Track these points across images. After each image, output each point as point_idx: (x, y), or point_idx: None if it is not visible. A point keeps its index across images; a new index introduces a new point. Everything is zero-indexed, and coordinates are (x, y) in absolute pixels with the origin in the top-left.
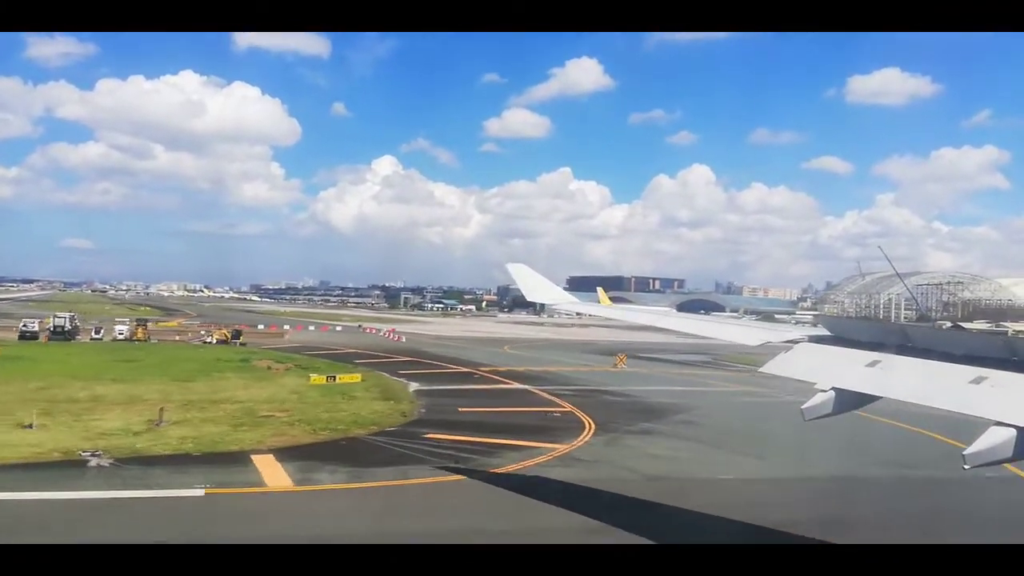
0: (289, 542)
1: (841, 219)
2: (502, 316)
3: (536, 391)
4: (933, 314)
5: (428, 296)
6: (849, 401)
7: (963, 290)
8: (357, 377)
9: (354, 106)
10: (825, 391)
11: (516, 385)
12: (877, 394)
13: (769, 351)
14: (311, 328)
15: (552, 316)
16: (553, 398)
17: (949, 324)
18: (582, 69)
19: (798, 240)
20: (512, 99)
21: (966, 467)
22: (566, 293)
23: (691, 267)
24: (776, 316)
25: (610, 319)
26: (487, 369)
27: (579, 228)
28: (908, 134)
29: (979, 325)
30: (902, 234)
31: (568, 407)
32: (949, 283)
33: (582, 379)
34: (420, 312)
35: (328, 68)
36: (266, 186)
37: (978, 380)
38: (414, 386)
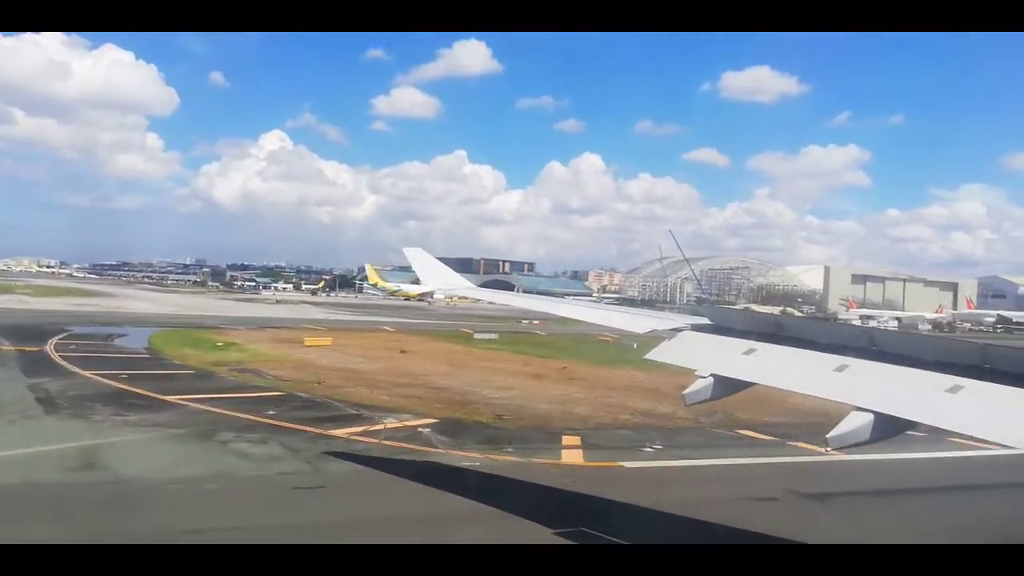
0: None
1: (723, 210)
2: (307, 296)
3: None
4: (716, 297)
5: (241, 275)
6: (726, 387)
7: (756, 276)
8: None
9: (233, 76)
10: (705, 377)
11: None
12: (752, 381)
13: (654, 338)
14: None
15: (327, 295)
16: None
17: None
18: (470, 51)
19: (682, 229)
20: (399, 77)
21: (828, 449)
22: (463, 279)
23: (582, 254)
24: (573, 297)
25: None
26: None
27: (474, 212)
28: (779, 131)
29: (770, 308)
30: (777, 226)
31: None
32: (737, 268)
33: None
34: (220, 290)
35: (205, 34)
36: (142, 158)
37: (841, 368)
38: None
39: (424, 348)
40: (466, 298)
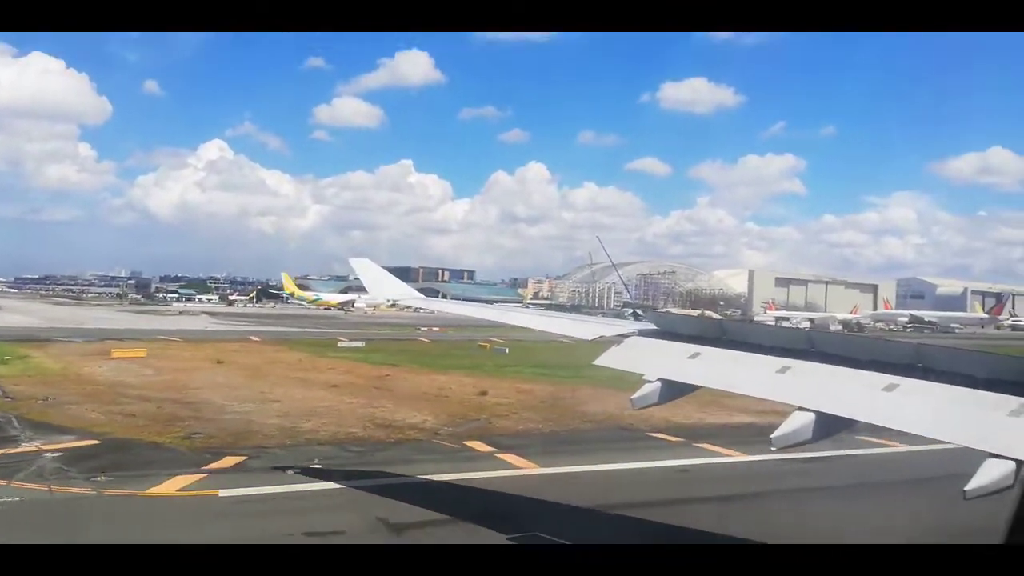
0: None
1: (667, 218)
2: (222, 308)
3: None
4: (644, 302)
5: (166, 287)
6: (673, 391)
7: (685, 281)
8: None
9: (168, 85)
10: (652, 382)
11: None
12: (697, 384)
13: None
14: None
15: (246, 306)
16: None
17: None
18: (412, 62)
19: (627, 237)
20: (340, 87)
21: (773, 449)
22: (410, 288)
23: (529, 263)
24: (501, 304)
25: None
26: None
27: (421, 221)
28: (717, 140)
29: (687, 312)
30: (719, 233)
31: None
32: (665, 273)
33: None
34: (136, 303)
35: (138, 42)
36: (74, 168)
37: (783, 369)
38: None
39: (255, 359)
40: (395, 306)
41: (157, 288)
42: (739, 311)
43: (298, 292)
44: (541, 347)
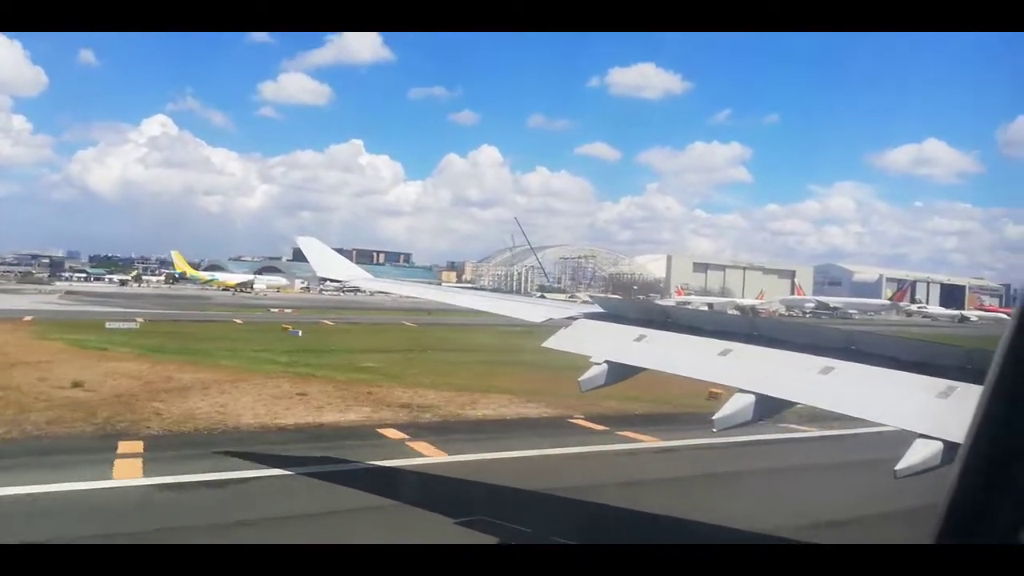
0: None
1: (617, 204)
2: (101, 287)
3: None
4: (563, 286)
5: (75, 266)
6: (619, 373)
7: (609, 265)
8: None
9: (105, 55)
10: (599, 364)
11: None
12: (642, 366)
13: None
14: None
15: (141, 285)
16: None
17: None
18: (360, 38)
19: (579, 222)
20: (286, 62)
21: (715, 430)
22: (359, 268)
23: (481, 247)
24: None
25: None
26: None
27: (372, 203)
28: (665, 127)
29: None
30: (666, 219)
31: None
32: (586, 257)
33: None
34: (31, 282)
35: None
36: (8, 142)
37: (725, 352)
38: None
39: None
40: (309, 288)
41: (70, 267)
42: (657, 295)
43: (190, 271)
44: (342, 331)
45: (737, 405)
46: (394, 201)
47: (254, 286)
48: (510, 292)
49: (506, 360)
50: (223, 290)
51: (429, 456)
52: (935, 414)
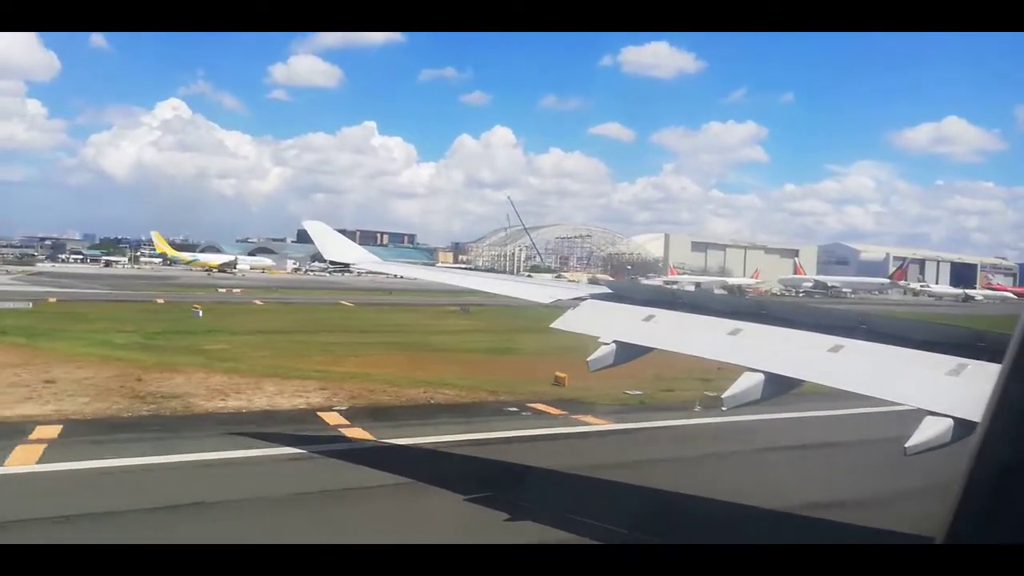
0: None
1: (633, 185)
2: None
3: None
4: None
5: (77, 248)
6: (628, 352)
7: (607, 245)
8: None
9: (114, 39)
10: (608, 344)
11: None
12: (651, 346)
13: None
14: None
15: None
16: None
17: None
18: None
19: (593, 203)
20: (295, 44)
21: (724, 409)
22: (367, 252)
23: (493, 228)
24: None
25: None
26: None
27: (385, 185)
28: (680, 106)
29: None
30: (683, 200)
31: None
32: (583, 237)
33: None
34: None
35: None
36: (23, 126)
37: (735, 332)
38: None
39: None
40: (300, 270)
41: (72, 249)
42: (655, 275)
43: (171, 252)
44: (258, 311)
45: (746, 384)
46: (407, 183)
47: (237, 266)
48: (503, 272)
49: (400, 342)
50: (206, 271)
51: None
52: (945, 391)
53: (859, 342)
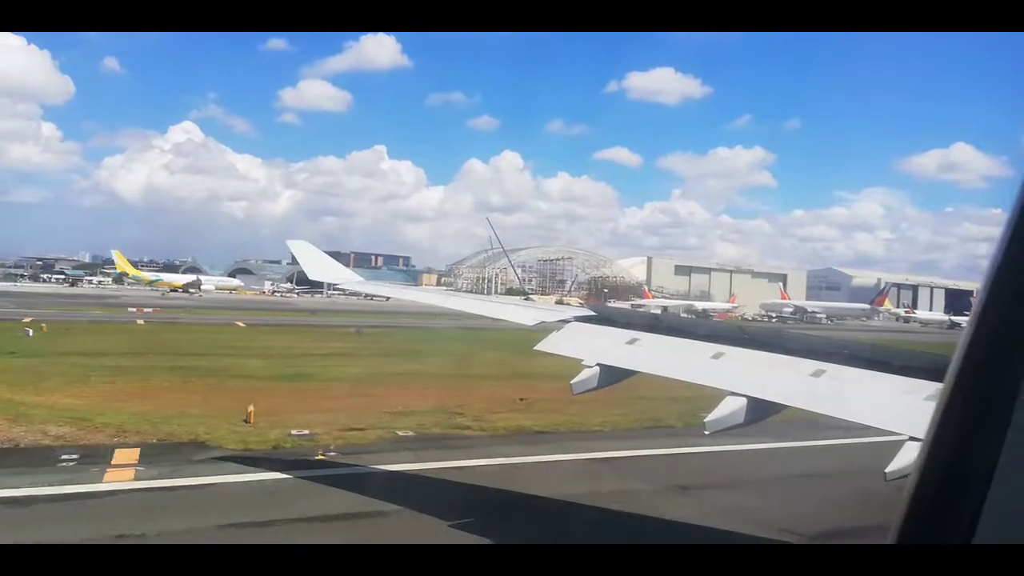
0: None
1: (642, 209)
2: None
3: None
4: (540, 288)
5: (64, 268)
6: (611, 376)
7: (590, 268)
8: None
9: (129, 64)
10: (591, 367)
11: None
12: (634, 369)
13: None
14: None
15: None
16: None
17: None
18: (378, 45)
19: (601, 227)
20: (304, 69)
21: (706, 432)
22: (351, 272)
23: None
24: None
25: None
26: None
27: (394, 209)
28: (686, 131)
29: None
30: (691, 225)
31: None
32: (563, 259)
33: None
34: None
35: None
36: (38, 148)
37: (717, 355)
38: None
39: None
40: (278, 292)
41: (57, 269)
42: (635, 298)
43: (132, 271)
44: (111, 331)
45: (729, 408)
46: (416, 206)
47: (201, 287)
48: (480, 293)
49: (201, 366)
50: (171, 291)
51: None
52: (924, 416)
53: (839, 367)
